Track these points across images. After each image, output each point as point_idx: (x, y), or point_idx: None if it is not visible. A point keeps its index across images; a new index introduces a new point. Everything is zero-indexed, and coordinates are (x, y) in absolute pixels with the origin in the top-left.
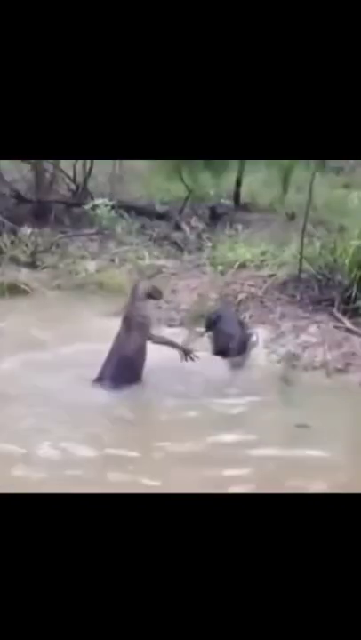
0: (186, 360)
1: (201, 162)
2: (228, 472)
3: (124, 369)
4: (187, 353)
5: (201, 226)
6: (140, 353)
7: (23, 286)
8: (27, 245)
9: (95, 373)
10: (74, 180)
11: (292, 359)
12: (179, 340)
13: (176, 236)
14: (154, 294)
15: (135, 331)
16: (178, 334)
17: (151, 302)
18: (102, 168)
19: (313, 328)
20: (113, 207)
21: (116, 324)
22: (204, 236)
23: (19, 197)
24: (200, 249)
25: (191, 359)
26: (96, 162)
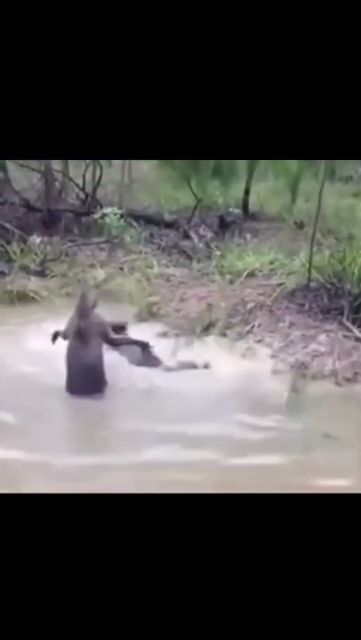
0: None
1: (210, 171)
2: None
3: (90, 380)
4: (144, 346)
5: (210, 235)
6: (100, 359)
7: (32, 294)
8: (36, 254)
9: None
10: (83, 189)
11: (301, 368)
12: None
13: (185, 244)
14: (95, 303)
15: (94, 340)
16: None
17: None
18: (111, 177)
19: (322, 337)
20: (122, 216)
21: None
22: (213, 244)
23: (28, 206)
24: (209, 258)
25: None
26: (105, 171)
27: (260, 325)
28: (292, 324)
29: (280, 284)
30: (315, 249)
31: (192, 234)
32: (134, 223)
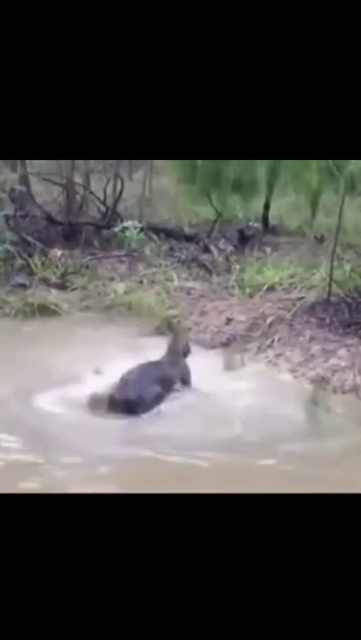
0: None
1: (230, 185)
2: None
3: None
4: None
5: (229, 248)
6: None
7: (53, 307)
8: (57, 267)
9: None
10: (104, 203)
11: (321, 383)
12: None
13: (204, 258)
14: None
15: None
16: None
17: None
18: (132, 191)
19: (343, 351)
20: (142, 229)
21: (144, 344)
22: (233, 258)
23: (50, 219)
24: (228, 271)
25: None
26: (126, 185)
27: (279, 339)
28: (312, 339)
29: (300, 298)
30: (335, 263)
31: (212, 247)
32: (154, 236)
